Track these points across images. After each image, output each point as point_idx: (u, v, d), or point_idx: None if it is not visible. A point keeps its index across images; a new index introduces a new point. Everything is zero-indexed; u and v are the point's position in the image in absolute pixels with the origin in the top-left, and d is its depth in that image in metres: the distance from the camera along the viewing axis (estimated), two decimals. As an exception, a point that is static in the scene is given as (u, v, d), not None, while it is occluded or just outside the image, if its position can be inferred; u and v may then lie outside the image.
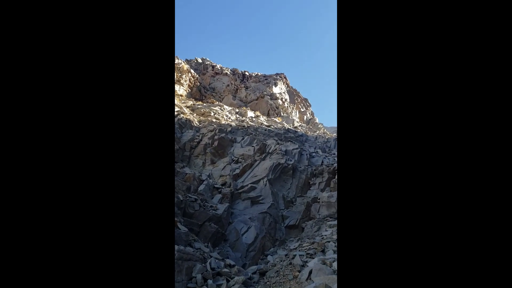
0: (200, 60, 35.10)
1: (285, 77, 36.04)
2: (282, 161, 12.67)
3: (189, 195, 9.40)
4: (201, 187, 10.68)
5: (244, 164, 12.85)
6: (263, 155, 13.37)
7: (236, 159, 13.76)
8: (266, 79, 33.42)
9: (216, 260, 6.35)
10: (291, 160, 13.16)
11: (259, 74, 35.69)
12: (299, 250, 7.27)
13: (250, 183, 11.60)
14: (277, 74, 35.99)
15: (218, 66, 33.87)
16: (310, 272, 5.40)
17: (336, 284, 4.53)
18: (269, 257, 8.03)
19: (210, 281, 5.49)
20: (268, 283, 5.91)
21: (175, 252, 5.56)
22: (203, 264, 5.92)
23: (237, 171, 12.52)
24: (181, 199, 8.45)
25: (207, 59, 35.93)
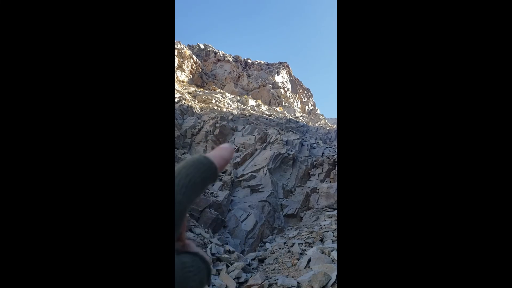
0: (202, 46, 34.59)
1: (288, 66, 35.64)
2: (283, 151, 12.70)
3: (190, 181, 9.46)
4: (202, 174, 10.74)
5: (245, 153, 12.89)
6: (264, 145, 13.39)
7: (237, 147, 13.79)
8: (268, 68, 33.07)
9: (216, 246, 6.46)
10: (291, 150, 13.19)
11: (262, 62, 35.27)
12: (298, 239, 7.39)
13: (250, 172, 11.67)
14: (280, 62, 35.56)
15: (220, 52, 33.43)
16: (309, 261, 5.51)
17: (334, 273, 4.63)
18: (268, 245, 8.18)
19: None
20: (267, 269, 6.04)
21: (177, 237, 5.65)
22: (203, 249, 6.02)
23: (238, 159, 12.57)
24: (182, 185, 8.52)
25: (209, 45, 35.40)
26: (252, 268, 6.23)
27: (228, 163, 0.45)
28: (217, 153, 0.42)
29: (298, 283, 4.92)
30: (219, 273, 5.57)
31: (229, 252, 6.58)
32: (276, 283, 5.06)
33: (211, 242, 6.56)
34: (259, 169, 11.76)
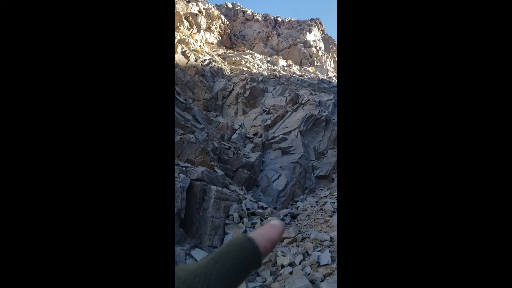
0: (230, 5, 33.12)
1: (320, 23, 33.18)
2: (315, 112, 12.38)
3: (223, 143, 9.73)
4: (234, 136, 10.96)
5: (276, 115, 12.77)
6: (295, 106, 13.11)
7: (268, 109, 13.67)
8: (299, 25, 31.07)
9: (251, 202, 6.77)
10: (324, 112, 12.80)
11: (293, 19, 33.15)
12: (330, 198, 7.47)
13: (281, 134, 11.65)
14: (312, 19, 33.15)
15: (249, 11, 31.85)
16: (342, 217, 5.59)
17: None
18: (299, 203, 8.40)
19: (245, 219, 5.93)
20: (299, 225, 6.27)
21: (214, 191, 5.98)
22: (239, 204, 6.34)
23: (268, 122, 12.53)
24: (216, 146, 8.79)
25: (238, 3, 33.76)
26: (285, 223, 6.50)
27: (276, 245, 0.38)
28: (264, 233, 0.37)
29: (330, 237, 5.07)
30: (254, 226, 5.91)
31: (263, 208, 6.88)
32: (309, 237, 5.27)
33: (246, 198, 6.88)
34: (290, 132, 11.68)
